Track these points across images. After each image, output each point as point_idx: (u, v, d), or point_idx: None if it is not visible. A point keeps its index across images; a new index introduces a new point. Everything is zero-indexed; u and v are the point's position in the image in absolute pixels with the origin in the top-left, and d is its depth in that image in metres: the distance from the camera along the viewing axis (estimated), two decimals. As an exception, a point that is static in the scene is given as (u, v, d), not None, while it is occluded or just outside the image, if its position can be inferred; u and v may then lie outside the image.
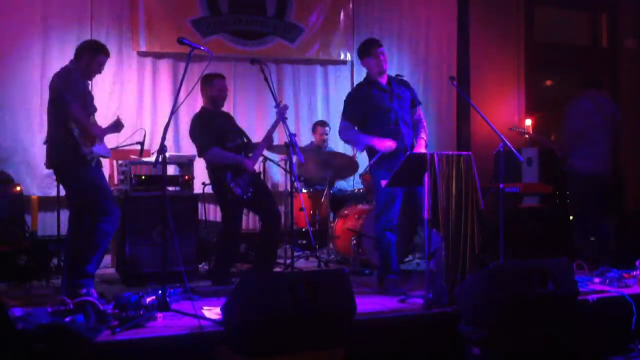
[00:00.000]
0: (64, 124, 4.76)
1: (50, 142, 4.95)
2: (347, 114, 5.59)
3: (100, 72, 5.13)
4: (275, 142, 7.36)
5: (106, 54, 5.10)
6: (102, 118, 5.34)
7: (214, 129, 5.76)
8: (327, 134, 7.90)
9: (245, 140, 5.99)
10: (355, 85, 6.05)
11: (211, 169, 5.81)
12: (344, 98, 5.70)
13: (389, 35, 8.69)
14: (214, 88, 5.84)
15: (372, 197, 6.88)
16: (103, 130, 5.05)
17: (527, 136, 6.88)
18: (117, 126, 5.15)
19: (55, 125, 4.85)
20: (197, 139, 5.80)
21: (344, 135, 5.65)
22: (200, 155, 5.83)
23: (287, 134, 5.24)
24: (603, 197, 6.49)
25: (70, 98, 4.72)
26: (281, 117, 5.55)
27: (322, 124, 7.93)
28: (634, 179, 8.87)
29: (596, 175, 6.42)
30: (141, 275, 5.60)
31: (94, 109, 5.08)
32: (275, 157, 7.21)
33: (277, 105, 5.49)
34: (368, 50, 5.55)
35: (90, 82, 5.21)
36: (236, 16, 8.01)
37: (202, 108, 5.91)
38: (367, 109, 5.48)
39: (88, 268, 4.84)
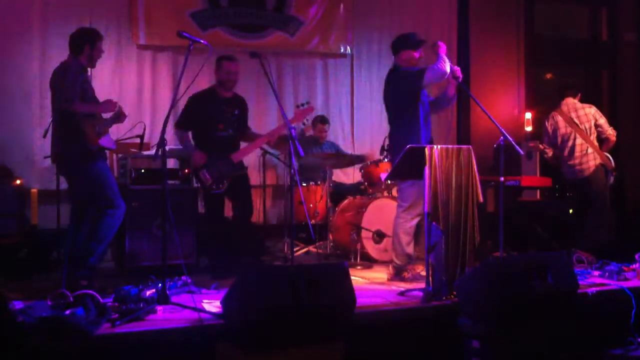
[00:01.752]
0: (70, 121, 4.77)
1: (56, 137, 4.95)
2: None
3: (100, 57, 5.17)
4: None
5: (101, 37, 5.15)
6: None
7: (202, 113, 5.78)
8: (326, 131, 7.89)
9: (238, 132, 5.97)
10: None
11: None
12: (396, 78, 5.55)
13: (388, 29, 8.66)
14: (221, 70, 5.87)
15: (375, 190, 6.89)
16: (105, 123, 5.07)
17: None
18: (118, 117, 5.17)
19: (61, 121, 4.85)
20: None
21: (434, 71, 5.38)
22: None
23: (287, 127, 5.23)
24: (588, 197, 6.64)
25: (72, 97, 4.73)
26: (285, 119, 5.50)
27: (322, 121, 7.91)
28: (634, 176, 8.87)
29: (575, 179, 6.73)
30: (141, 268, 5.61)
31: (97, 101, 5.08)
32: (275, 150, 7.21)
33: (277, 96, 5.44)
34: (418, 44, 5.56)
35: (90, 74, 5.21)
36: (236, 9, 7.99)
37: (209, 88, 5.95)
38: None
39: (91, 260, 4.86)
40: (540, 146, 6.82)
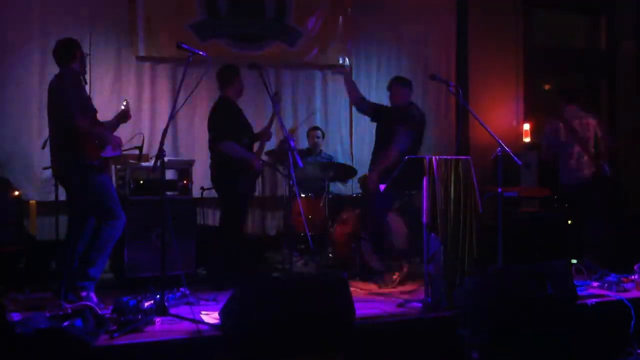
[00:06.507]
0: (71, 136, 4.77)
1: (56, 151, 4.95)
2: None
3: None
4: (273, 147, 7.37)
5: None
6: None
7: (236, 121, 5.75)
8: (318, 137, 7.92)
9: (253, 137, 6.00)
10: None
11: (220, 164, 5.76)
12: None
13: (388, 40, 8.70)
14: (241, 80, 5.88)
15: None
16: (112, 126, 5.10)
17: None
18: (124, 116, 5.22)
19: (62, 136, 4.85)
20: (217, 126, 5.74)
21: None
22: (214, 143, 5.76)
23: (286, 138, 5.23)
24: (584, 203, 6.65)
25: (75, 114, 4.74)
26: (276, 109, 5.54)
27: (314, 128, 7.97)
28: (633, 182, 8.87)
29: (570, 185, 6.73)
30: (140, 279, 5.60)
31: (95, 111, 5.09)
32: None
33: (273, 99, 5.43)
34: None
35: (88, 84, 5.23)
36: (235, 20, 8.00)
37: (227, 98, 5.86)
38: None
39: (91, 271, 4.85)
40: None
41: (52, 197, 6.19)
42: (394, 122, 6.05)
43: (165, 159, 4.48)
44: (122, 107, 5.36)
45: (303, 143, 8.10)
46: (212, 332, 3.93)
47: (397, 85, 6.27)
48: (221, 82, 5.87)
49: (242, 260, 5.99)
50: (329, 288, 3.81)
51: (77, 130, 4.77)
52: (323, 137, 8.00)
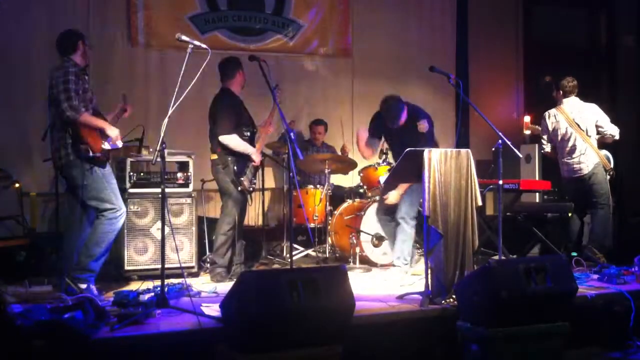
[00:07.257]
0: (72, 128, 4.77)
1: (57, 143, 4.93)
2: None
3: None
4: (274, 139, 7.37)
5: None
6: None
7: (238, 114, 5.75)
8: (320, 133, 7.91)
9: (254, 129, 5.99)
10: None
11: (221, 156, 5.76)
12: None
13: (387, 30, 8.68)
14: (244, 72, 5.86)
15: (374, 193, 6.86)
16: (112, 119, 5.11)
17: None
18: (122, 110, 5.22)
19: (64, 128, 4.84)
20: (221, 117, 5.71)
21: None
22: (215, 135, 5.72)
23: (286, 130, 5.23)
24: (583, 197, 6.63)
25: (79, 107, 4.73)
26: (276, 101, 5.55)
27: (317, 122, 7.96)
28: (633, 178, 8.86)
29: (568, 178, 6.72)
30: (140, 272, 5.61)
31: (96, 102, 5.09)
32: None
33: (273, 91, 5.43)
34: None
35: (88, 75, 5.22)
36: (235, 12, 8.00)
37: (229, 90, 5.84)
38: None
39: (91, 264, 4.85)
40: (536, 128, 6.86)
41: (52, 189, 6.19)
42: (410, 134, 5.87)
43: (166, 151, 4.48)
44: (120, 100, 5.34)
45: (304, 135, 8.10)
46: (212, 325, 3.94)
47: (391, 117, 5.88)
48: (223, 75, 5.86)
49: (243, 252, 5.99)
50: (328, 280, 3.80)
51: (78, 124, 4.76)
52: (326, 131, 7.99)
